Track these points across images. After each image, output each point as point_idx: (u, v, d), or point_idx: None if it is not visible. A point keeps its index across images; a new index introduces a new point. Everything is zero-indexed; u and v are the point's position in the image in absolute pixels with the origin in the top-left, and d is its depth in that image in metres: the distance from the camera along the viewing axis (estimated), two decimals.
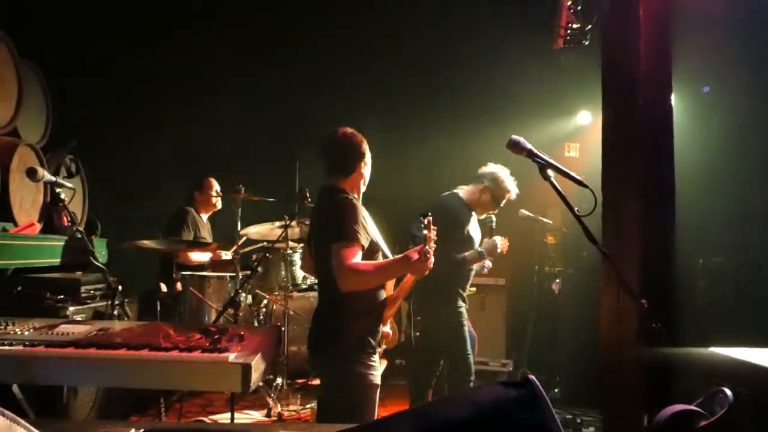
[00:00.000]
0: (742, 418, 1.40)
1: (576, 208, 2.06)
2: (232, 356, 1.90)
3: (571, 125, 6.27)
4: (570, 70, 4.60)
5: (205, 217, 4.99)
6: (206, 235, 4.91)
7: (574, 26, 3.59)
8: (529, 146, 2.11)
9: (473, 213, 4.06)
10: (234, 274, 4.45)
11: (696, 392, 1.57)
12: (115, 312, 2.89)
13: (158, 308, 3.37)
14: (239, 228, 4.57)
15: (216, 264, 4.83)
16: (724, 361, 1.70)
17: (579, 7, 3.50)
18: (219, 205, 5.04)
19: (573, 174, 2.10)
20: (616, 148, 2.73)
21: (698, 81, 4.02)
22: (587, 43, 3.72)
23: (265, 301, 4.89)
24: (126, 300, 3.03)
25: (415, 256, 2.41)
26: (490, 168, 4.07)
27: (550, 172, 2.08)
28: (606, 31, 2.94)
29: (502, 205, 4.08)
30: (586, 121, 6.21)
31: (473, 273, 4.12)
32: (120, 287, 2.91)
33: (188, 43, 5.62)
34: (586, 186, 2.10)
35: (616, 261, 2.29)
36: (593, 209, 2.14)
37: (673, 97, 2.57)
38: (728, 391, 1.41)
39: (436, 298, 3.92)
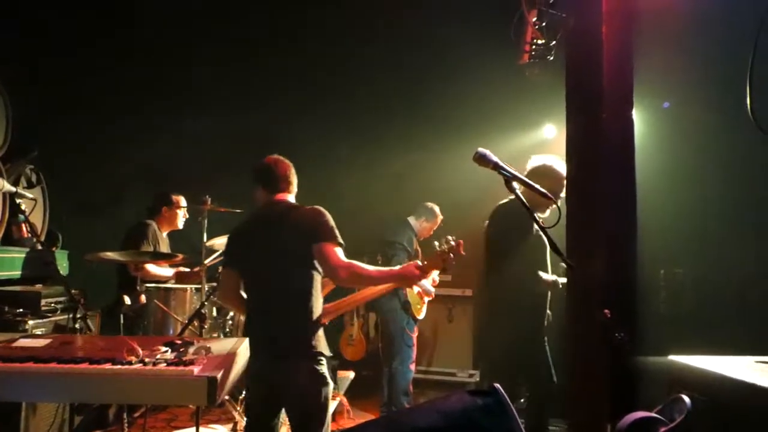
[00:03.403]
0: (699, 425, 1.44)
1: (541, 220, 2.11)
2: (197, 369, 1.88)
3: (536, 138, 6.36)
4: (535, 85, 4.69)
5: (164, 233, 4.93)
6: (165, 251, 4.83)
7: (539, 42, 3.67)
8: (495, 159, 2.14)
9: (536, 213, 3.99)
10: (199, 286, 4.39)
11: (657, 400, 1.61)
12: (77, 326, 2.82)
13: (122, 321, 3.30)
14: (205, 239, 4.52)
15: (181, 276, 4.76)
16: (683, 369, 1.76)
17: (544, 24, 3.58)
18: (181, 225, 4.99)
19: (537, 186, 2.15)
20: (580, 161, 2.79)
21: (659, 97, 4.15)
22: (552, 58, 3.80)
23: (231, 314, 4.83)
24: (88, 313, 2.97)
25: (415, 270, 2.71)
26: (539, 160, 3.90)
27: (515, 184, 2.11)
28: (570, 48, 3.02)
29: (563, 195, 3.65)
30: (551, 134, 6.32)
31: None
32: (82, 300, 2.86)
33: (152, 55, 5.58)
34: (550, 198, 2.15)
35: (581, 272, 2.34)
36: (557, 221, 2.19)
37: (634, 112, 2.65)
38: (686, 398, 1.46)
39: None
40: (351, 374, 5.57)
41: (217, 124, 5.95)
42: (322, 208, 2.77)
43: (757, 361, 1.85)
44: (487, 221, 4.07)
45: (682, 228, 4.04)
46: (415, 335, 4.96)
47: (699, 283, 4.23)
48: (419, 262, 2.77)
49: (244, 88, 6.00)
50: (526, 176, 3.97)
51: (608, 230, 2.55)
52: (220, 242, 4.58)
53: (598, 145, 2.67)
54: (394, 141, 6.27)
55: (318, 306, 2.70)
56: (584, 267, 2.50)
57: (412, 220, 5.11)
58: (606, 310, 2.04)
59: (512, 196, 2.02)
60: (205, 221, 4.53)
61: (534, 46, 3.75)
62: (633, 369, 2.16)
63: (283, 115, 6.22)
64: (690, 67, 3.76)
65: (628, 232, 2.52)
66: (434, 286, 4.87)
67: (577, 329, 2.66)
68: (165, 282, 4.63)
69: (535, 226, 3.77)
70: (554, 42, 3.66)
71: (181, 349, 2.09)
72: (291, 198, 2.93)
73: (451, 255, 2.83)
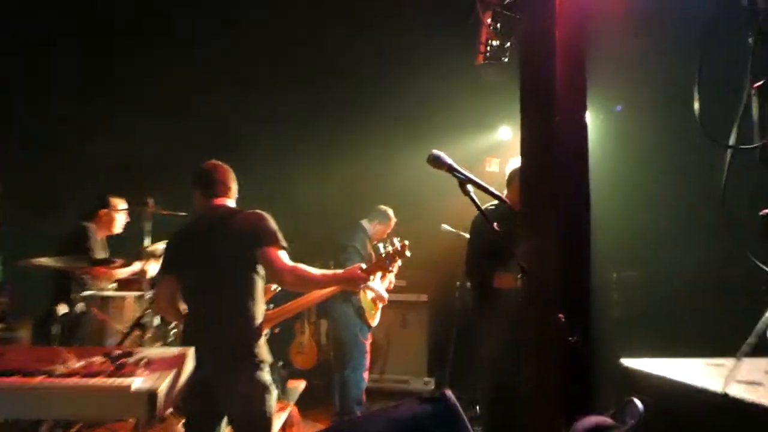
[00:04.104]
0: (651, 429, 1.48)
1: (494, 223, 2.14)
2: (137, 382, 1.83)
3: (492, 140, 6.47)
4: (491, 87, 4.76)
5: (99, 238, 4.78)
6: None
7: (494, 43, 3.72)
8: (449, 161, 2.17)
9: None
10: (140, 293, 4.28)
11: (611, 404, 1.65)
12: (8, 336, 2.72)
13: (56, 331, 3.19)
14: (149, 243, 4.42)
15: (122, 283, 4.63)
16: (635, 372, 1.80)
17: (499, 25, 3.63)
18: (119, 230, 4.86)
19: (491, 189, 2.18)
20: (533, 164, 2.84)
21: (611, 99, 4.26)
22: (507, 60, 3.86)
23: (174, 322, 4.73)
24: (20, 322, 2.86)
25: (359, 273, 2.74)
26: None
27: (469, 187, 2.14)
28: (523, 50, 3.06)
29: None
30: (507, 136, 6.44)
31: None
32: (12, 308, 2.75)
33: (100, 52, 5.43)
34: (504, 201, 2.19)
35: (534, 275, 2.38)
36: (512, 224, 2.22)
37: (588, 115, 2.72)
38: (638, 402, 1.50)
39: None
40: (302, 384, 5.53)
41: (161, 124, 5.84)
42: (263, 212, 2.80)
43: (708, 364, 1.91)
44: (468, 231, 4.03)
45: (635, 231, 4.15)
46: (368, 342, 4.96)
47: (651, 285, 4.36)
48: (363, 265, 2.84)
49: (191, 87, 5.89)
50: (508, 180, 4.05)
51: (562, 233, 2.59)
52: (162, 246, 4.49)
53: (552, 147, 2.71)
54: (348, 142, 6.28)
55: (260, 312, 2.72)
56: (538, 270, 2.54)
57: (365, 223, 5.11)
58: (560, 314, 2.09)
59: (496, 201, 2.06)
60: (149, 224, 4.43)
61: (489, 48, 3.80)
62: (587, 373, 2.20)
63: (232, 115, 6.16)
64: (641, 70, 3.89)
65: (582, 234, 2.57)
66: (389, 291, 4.88)
67: (530, 333, 2.70)
68: (103, 289, 4.50)
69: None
70: (509, 44, 3.72)
71: (120, 360, 2.02)
72: (230, 203, 2.95)
73: (396, 257, 2.89)
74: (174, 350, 2.47)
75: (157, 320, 4.49)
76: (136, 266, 4.59)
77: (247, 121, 6.07)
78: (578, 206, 2.64)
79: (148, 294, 4.27)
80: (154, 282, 4.30)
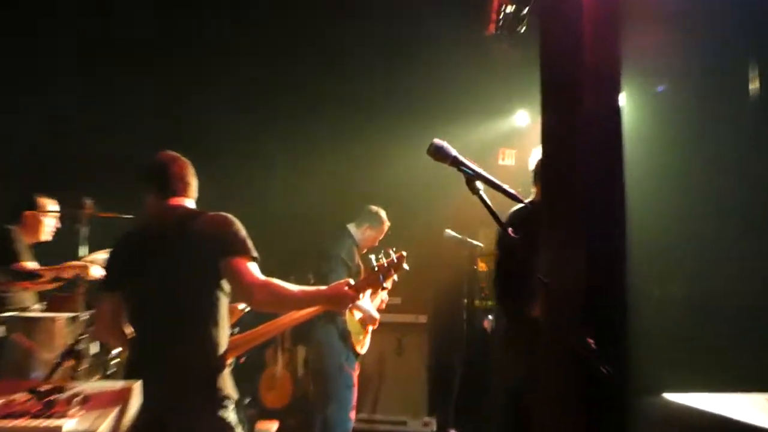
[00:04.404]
0: None
1: (510, 228, 2.14)
2: (70, 424, 1.82)
3: (506, 127, 6.48)
4: (505, 63, 4.77)
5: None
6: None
7: (508, 10, 3.74)
8: (454, 153, 2.16)
9: None
10: (74, 313, 4.27)
11: None
12: None
13: None
14: (86, 252, 4.42)
15: (53, 302, 4.62)
16: (680, 409, 1.81)
17: None
18: (47, 236, 4.85)
19: (506, 187, 2.17)
20: (557, 157, 2.85)
21: (652, 78, 4.26)
22: (523, 30, 3.88)
23: (117, 350, 4.72)
24: None
25: (347, 290, 2.72)
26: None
27: (479, 184, 2.13)
28: (544, 18, 3.07)
29: None
30: (524, 122, 6.45)
31: None
32: None
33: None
34: (521, 201, 2.19)
35: (556, 292, 2.39)
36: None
37: (623, 97, 2.73)
38: None
39: None
40: (274, 425, 5.53)
41: (103, 109, 5.84)
42: (230, 216, 2.78)
43: None
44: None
45: (681, 237, 4.15)
46: (355, 374, 4.95)
47: (701, 305, 4.36)
48: (351, 280, 2.80)
49: (141, 67, 5.88)
50: (534, 175, 4.03)
51: (591, 239, 2.60)
52: (103, 257, 4.48)
53: (580, 137, 2.73)
54: (332, 132, 6.29)
55: (224, 337, 2.70)
56: (561, 285, 2.55)
57: (352, 228, 5.11)
58: (589, 339, 2.09)
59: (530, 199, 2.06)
60: (86, 230, 4.43)
61: (502, 15, 3.82)
62: (620, 409, 2.21)
63: (193, 104, 6.14)
64: (689, 41, 3.88)
65: (615, 241, 2.57)
66: (380, 310, 4.88)
67: (550, 362, 2.70)
68: (28, 308, 4.49)
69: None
70: (526, 10, 3.74)
71: (49, 397, 2.02)
72: (189, 203, 2.94)
73: (392, 270, 2.87)
74: (116, 384, 2.46)
75: (95, 347, 4.48)
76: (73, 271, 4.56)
77: (207, 106, 6.04)
78: (611, 207, 2.65)
79: (84, 315, 4.25)
80: (92, 300, 4.28)
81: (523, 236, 3.51)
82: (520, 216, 3.70)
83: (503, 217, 3.85)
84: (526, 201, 3.60)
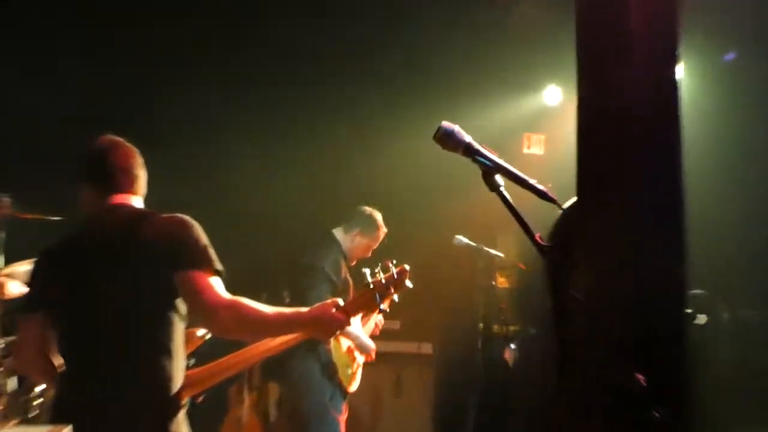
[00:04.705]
0: None
1: (538, 234, 2.09)
2: None
3: (533, 107, 6.47)
4: (529, 28, 4.75)
5: None
6: None
7: None
8: (468, 139, 2.12)
9: None
10: None
11: None
12: None
13: None
14: (1, 264, 4.43)
15: None
16: None
17: None
18: None
19: (533, 182, 2.13)
20: (597, 144, 2.81)
21: (717, 45, 4.23)
22: None
23: (41, 387, 4.69)
24: None
25: (335, 313, 2.68)
26: None
27: (498, 177, 2.10)
28: None
29: None
30: (555, 100, 6.43)
31: None
32: None
33: None
34: (552, 200, 2.14)
35: (596, 314, 2.34)
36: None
37: (681, 68, 2.69)
38: None
39: None
40: None
41: (24, 89, 5.82)
42: (187, 218, 2.76)
43: None
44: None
45: (756, 248, 4.11)
46: (343, 417, 4.92)
47: None
48: (340, 301, 2.75)
49: (69, 29, 5.87)
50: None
51: (641, 250, 2.56)
52: (24, 270, 4.47)
53: (625, 119, 2.69)
54: (313, 112, 6.30)
55: (179, 370, 2.68)
56: (601, 305, 2.51)
57: (339, 233, 5.07)
58: (639, 375, 2.05)
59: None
60: (2, 234, 4.43)
61: None
62: None
63: (137, 77, 6.13)
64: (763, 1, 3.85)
65: (671, 252, 2.52)
66: (373, 337, 4.85)
67: (585, 401, 2.66)
68: None
69: None
70: None
71: None
72: (137, 202, 2.90)
73: (391, 288, 2.83)
74: (41, 430, 2.43)
75: (13, 383, 4.47)
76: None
77: (159, 86, 6.02)
78: (665, 209, 2.60)
79: (0, 343, 4.22)
80: (9, 324, 4.27)
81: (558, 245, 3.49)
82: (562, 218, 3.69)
83: (537, 221, 3.83)
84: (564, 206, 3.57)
